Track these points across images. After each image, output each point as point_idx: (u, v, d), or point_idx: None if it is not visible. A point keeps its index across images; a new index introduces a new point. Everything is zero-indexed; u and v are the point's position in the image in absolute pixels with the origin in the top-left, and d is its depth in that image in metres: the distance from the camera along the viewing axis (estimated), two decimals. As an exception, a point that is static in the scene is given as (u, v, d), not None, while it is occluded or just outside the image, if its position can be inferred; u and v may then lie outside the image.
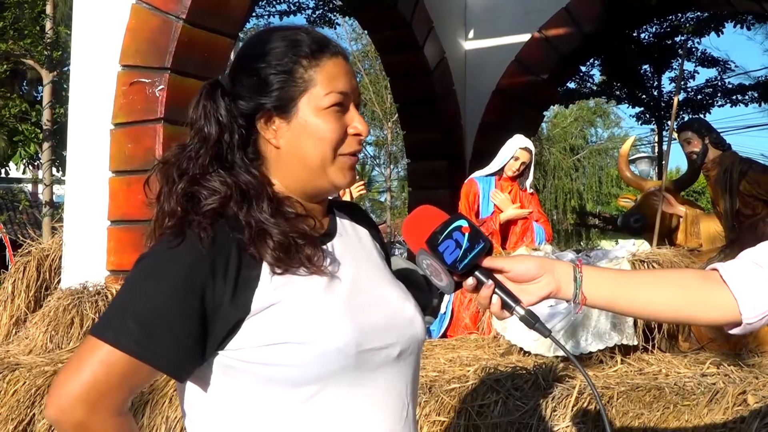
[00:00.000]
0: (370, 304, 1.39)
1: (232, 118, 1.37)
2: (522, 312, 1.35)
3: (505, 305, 1.36)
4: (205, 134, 1.37)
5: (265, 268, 1.31)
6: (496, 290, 1.36)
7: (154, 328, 1.25)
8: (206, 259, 1.27)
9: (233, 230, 1.31)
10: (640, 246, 4.46)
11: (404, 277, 1.62)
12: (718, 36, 12.77)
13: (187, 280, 1.26)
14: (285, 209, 1.37)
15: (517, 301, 1.36)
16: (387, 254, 1.63)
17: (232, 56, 5.25)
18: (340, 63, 1.41)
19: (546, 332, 1.36)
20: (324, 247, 1.39)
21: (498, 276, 1.38)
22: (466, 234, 1.34)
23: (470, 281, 1.36)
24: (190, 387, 1.36)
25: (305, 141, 1.38)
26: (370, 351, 1.34)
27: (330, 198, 1.53)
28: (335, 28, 14.53)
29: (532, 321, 1.35)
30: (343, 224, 1.51)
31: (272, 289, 1.30)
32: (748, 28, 12.09)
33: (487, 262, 1.37)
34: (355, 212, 1.59)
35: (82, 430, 1.25)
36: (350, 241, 1.49)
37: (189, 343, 1.27)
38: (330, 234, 1.45)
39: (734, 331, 1.43)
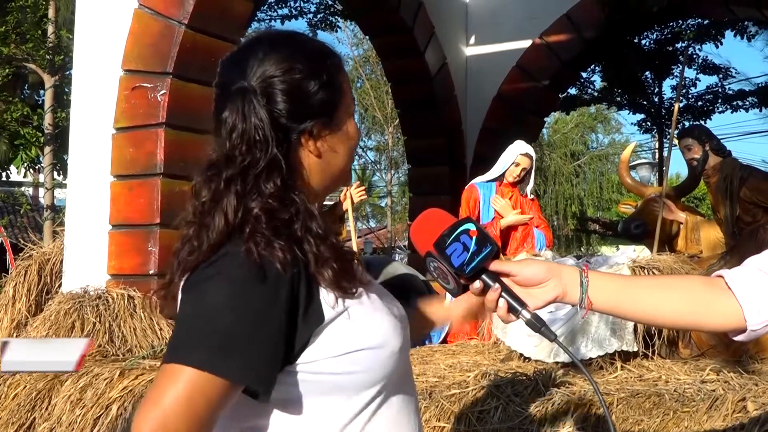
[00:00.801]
0: (389, 306, 1.42)
1: (275, 128, 1.33)
2: (528, 316, 1.36)
3: (511, 309, 1.37)
4: (256, 143, 1.31)
5: None
6: (503, 294, 1.37)
7: (252, 351, 1.22)
8: (287, 276, 1.24)
9: (299, 250, 1.29)
10: (640, 252, 4.46)
11: (405, 281, 1.63)
12: (717, 48, 12.78)
13: (274, 300, 1.23)
14: (327, 229, 1.35)
15: (523, 304, 1.37)
16: None
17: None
18: None
19: (551, 336, 1.37)
20: None
21: (505, 279, 1.39)
22: (474, 237, 1.34)
23: (477, 284, 1.37)
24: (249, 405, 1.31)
25: (341, 146, 1.41)
26: (402, 349, 1.38)
27: (325, 206, 1.54)
28: (336, 32, 14.53)
29: (537, 325, 1.35)
30: None
31: (335, 298, 1.30)
32: (749, 39, 12.10)
33: (494, 266, 1.38)
34: None
35: None
36: None
37: (278, 362, 1.26)
38: None
39: (739, 337, 1.44)
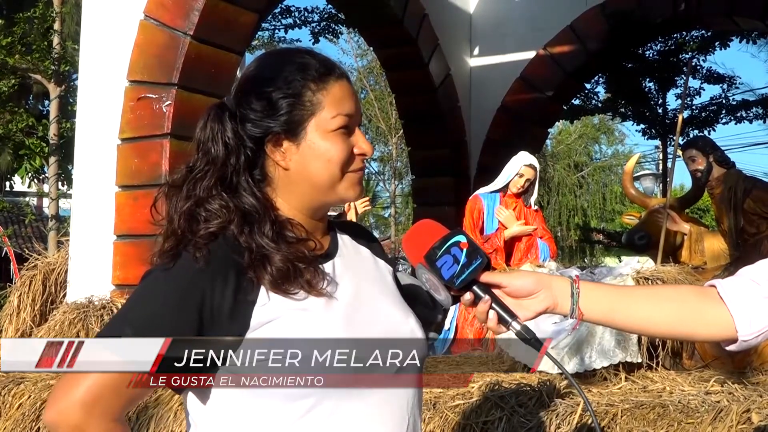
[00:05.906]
0: (369, 320, 1.42)
1: (239, 141, 1.40)
2: (518, 327, 1.36)
3: (501, 320, 1.38)
4: (212, 156, 1.40)
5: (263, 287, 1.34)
6: (493, 305, 1.37)
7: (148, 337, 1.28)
8: (202, 277, 1.30)
9: (232, 251, 1.34)
10: (644, 263, 4.46)
11: (409, 292, 1.63)
12: (723, 49, 12.76)
13: (182, 296, 1.31)
14: (287, 233, 1.40)
15: (513, 316, 1.37)
16: (394, 268, 1.65)
17: (238, 73, 5.29)
18: (345, 86, 1.44)
19: (538, 347, 1.37)
20: (324, 267, 1.43)
21: (496, 291, 1.40)
22: (464, 250, 1.35)
23: (468, 296, 1.38)
24: (192, 399, 1.39)
25: (314, 162, 1.41)
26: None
27: (332, 216, 1.55)
28: (338, 39, 14.48)
29: (527, 336, 1.36)
30: (344, 242, 1.54)
31: (272, 305, 1.33)
32: (754, 42, 12.11)
33: (485, 278, 1.39)
34: (355, 230, 1.62)
35: None
36: (351, 258, 1.51)
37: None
38: (330, 254, 1.48)
39: (731, 347, 1.45)
